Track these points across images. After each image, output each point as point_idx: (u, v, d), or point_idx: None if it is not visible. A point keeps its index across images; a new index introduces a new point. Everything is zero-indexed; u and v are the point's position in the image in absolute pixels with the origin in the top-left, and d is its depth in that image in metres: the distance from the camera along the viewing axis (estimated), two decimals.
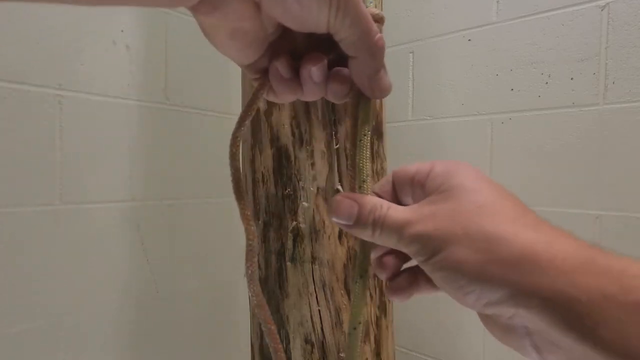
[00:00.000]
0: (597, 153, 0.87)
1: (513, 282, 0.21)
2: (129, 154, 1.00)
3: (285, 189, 0.70)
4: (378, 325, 0.72)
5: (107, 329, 0.98)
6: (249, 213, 0.27)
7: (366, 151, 0.27)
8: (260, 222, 0.74)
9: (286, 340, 0.72)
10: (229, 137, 0.27)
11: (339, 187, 0.67)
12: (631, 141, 0.83)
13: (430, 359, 1.12)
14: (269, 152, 0.72)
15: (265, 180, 0.73)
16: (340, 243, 0.69)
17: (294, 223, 0.69)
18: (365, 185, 0.27)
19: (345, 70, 0.26)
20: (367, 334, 0.70)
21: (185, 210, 1.13)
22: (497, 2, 0.99)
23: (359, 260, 0.27)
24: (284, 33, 0.24)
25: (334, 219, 0.26)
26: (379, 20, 0.27)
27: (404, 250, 0.25)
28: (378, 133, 0.73)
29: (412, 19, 1.13)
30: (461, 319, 1.05)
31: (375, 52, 0.24)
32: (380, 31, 0.27)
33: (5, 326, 0.82)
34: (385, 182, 0.29)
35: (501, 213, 0.23)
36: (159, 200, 1.07)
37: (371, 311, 0.71)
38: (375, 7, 0.30)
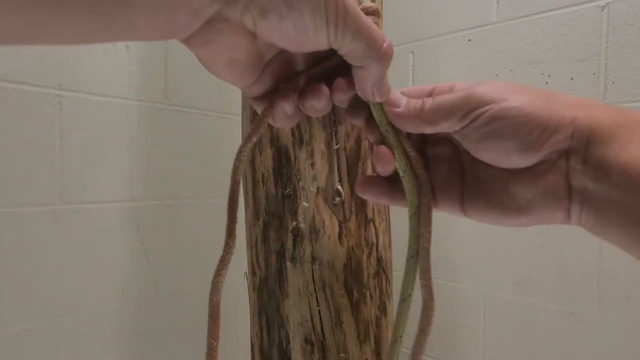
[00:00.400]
0: None
1: (574, 115, 0.23)
2: (129, 154, 1.00)
3: (285, 189, 0.70)
4: (378, 325, 0.72)
5: (107, 329, 0.98)
6: (233, 227, 0.27)
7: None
8: (260, 222, 0.74)
9: (286, 340, 0.72)
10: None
11: (339, 187, 0.67)
12: None
13: (430, 359, 1.12)
14: (269, 152, 0.72)
15: (265, 180, 0.73)
16: (340, 243, 0.69)
17: (294, 223, 0.69)
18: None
19: (343, 83, 0.26)
20: (366, 334, 0.70)
21: (185, 210, 1.13)
22: (497, 2, 0.99)
23: (410, 241, 0.29)
24: (281, 51, 0.24)
25: (385, 106, 0.26)
26: (374, 13, 0.26)
27: (454, 112, 0.25)
28: None
29: (412, 19, 1.13)
30: (461, 319, 1.05)
31: (383, 61, 0.23)
32: (378, 25, 0.26)
33: (5, 326, 0.82)
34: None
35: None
36: (159, 200, 1.07)
37: (371, 311, 0.71)
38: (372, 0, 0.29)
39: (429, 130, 0.26)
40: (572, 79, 0.90)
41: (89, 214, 0.93)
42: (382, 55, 0.23)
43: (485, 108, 0.24)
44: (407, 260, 0.29)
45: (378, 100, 0.25)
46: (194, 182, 1.14)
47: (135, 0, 0.17)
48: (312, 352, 0.70)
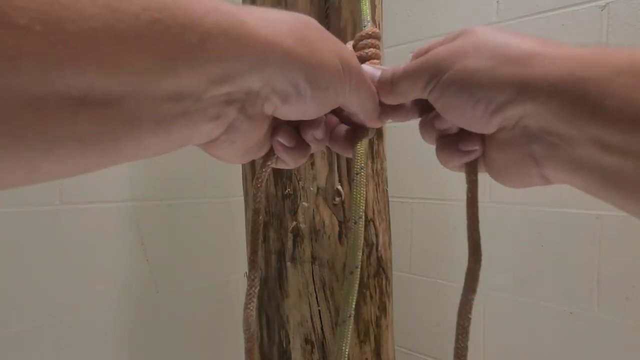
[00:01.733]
0: None
1: (522, 76, 0.21)
2: None
3: (285, 189, 0.70)
4: (378, 325, 0.72)
5: (107, 329, 0.98)
6: (256, 259, 0.27)
7: (362, 189, 0.27)
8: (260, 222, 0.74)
9: (286, 341, 0.72)
10: None
11: (339, 187, 0.67)
12: None
13: (430, 359, 1.12)
14: None
15: (265, 180, 0.73)
16: (340, 243, 0.69)
17: (294, 223, 0.70)
18: (360, 222, 0.27)
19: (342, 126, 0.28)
20: (366, 334, 0.70)
21: (185, 210, 1.13)
22: (497, 2, 0.99)
23: (349, 257, 0.27)
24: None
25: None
26: (376, 36, 0.28)
27: (417, 80, 0.24)
28: (378, 133, 0.73)
29: (412, 19, 1.13)
30: None
31: (375, 112, 0.26)
32: (377, 47, 0.28)
33: (5, 326, 0.82)
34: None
35: (510, 32, 0.23)
36: (159, 200, 1.07)
37: (371, 311, 0.71)
38: (372, 25, 0.31)
39: (404, 99, 0.26)
40: None
41: (89, 214, 0.93)
42: (375, 111, 0.26)
43: (439, 75, 0.23)
44: (346, 278, 0.27)
45: (374, 125, 0.27)
46: (194, 182, 1.14)
47: (139, 120, 0.15)
48: (312, 352, 0.70)
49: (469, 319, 0.25)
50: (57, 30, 0.12)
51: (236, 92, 0.18)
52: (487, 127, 0.23)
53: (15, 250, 0.83)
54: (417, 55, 0.26)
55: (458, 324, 0.25)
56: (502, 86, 0.21)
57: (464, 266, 0.28)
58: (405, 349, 1.15)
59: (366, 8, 0.32)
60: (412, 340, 1.14)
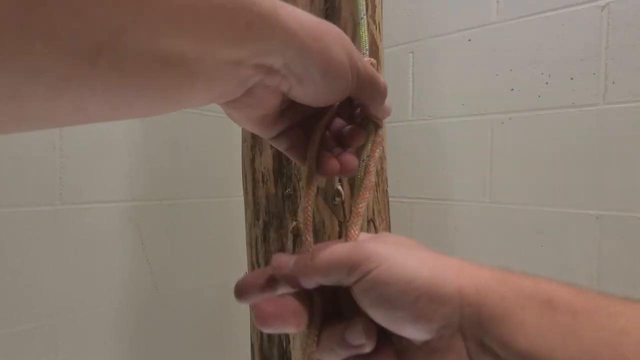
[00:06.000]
0: (597, 153, 0.87)
1: (460, 283, 0.23)
2: (129, 154, 1.00)
3: (285, 189, 0.70)
4: None
5: (107, 329, 0.98)
6: (317, 316, 0.27)
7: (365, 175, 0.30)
8: (260, 222, 0.74)
9: (286, 341, 0.72)
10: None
11: (339, 187, 0.67)
12: (631, 141, 0.83)
13: None
14: (268, 152, 0.72)
15: (265, 180, 0.73)
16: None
17: (294, 223, 0.69)
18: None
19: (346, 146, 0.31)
20: None
21: (185, 210, 1.13)
22: (497, 2, 0.99)
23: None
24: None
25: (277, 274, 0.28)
26: (372, 65, 0.32)
27: (348, 273, 0.24)
28: None
29: (412, 19, 1.13)
30: None
31: (384, 96, 0.29)
32: (375, 66, 0.32)
33: (5, 326, 0.82)
34: None
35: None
36: (159, 200, 1.07)
37: None
38: (368, 57, 0.35)
39: (323, 280, 0.26)
40: (572, 79, 0.90)
41: (89, 214, 0.93)
42: (384, 94, 0.29)
43: (369, 269, 0.23)
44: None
45: (381, 117, 0.30)
46: (194, 182, 1.14)
47: (198, 76, 0.19)
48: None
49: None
50: (155, 6, 0.16)
51: (262, 66, 0.22)
52: (423, 331, 0.23)
53: (15, 250, 0.83)
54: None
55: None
56: (449, 288, 0.23)
57: None
58: None
59: (365, 37, 0.35)
60: None
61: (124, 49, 0.16)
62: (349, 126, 0.31)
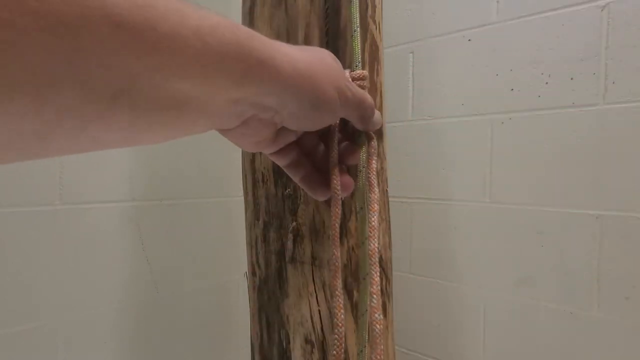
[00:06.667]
0: (597, 153, 0.87)
1: None
2: (129, 154, 1.00)
3: (285, 189, 0.70)
4: None
5: (107, 329, 0.98)
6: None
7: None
8: (260, 222, 0.74)
9: (286, 340, 0.72)
10: None
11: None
12: (631, 141, 0.83)
13: (430, 359, 1.12)
14: None
15: (265, 180, 0.73)
16: (340, 243, 0.69)
17: (294, 223, 0.69)
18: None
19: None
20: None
21: (185, 210, 1.13)
22: (497, 2, 0.99)
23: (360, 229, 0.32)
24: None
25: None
26: (364, 78, 0.35)
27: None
28: (378, 133, 0.73)
29: (412, 19, 1.13)
30: (461, 319, 1.05)
31: (371, 115, 0.33)
32: (364, 87, 0.36)
33: (5, 326, 0.82)
34: None
35: None
36: (159, 200, 1.07)
37: None
38: (361, 69, 0.37)
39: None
40: (572, 79, 0.90)
41: (89, 214, 0.93)
42: (370, 112, 0.33)
43: None
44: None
45: (372, 129, 0.34)
46: (194, 182, 1.14)
47: (201, 113, 0.22)
48: (312, 352, 0.70)
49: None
50: (170, 56, 0.18)
51: (257, 104, 0.25)
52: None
53: (15, 250, 0.83)
54: None
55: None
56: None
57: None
58: (405, 349, 1.15)
59: (358, 49, 0.38)
60: (412, 340, 1.14)
61: (139, 92, 0.18)
62: (345, 143, 0.34)
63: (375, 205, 0.31)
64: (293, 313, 0.71)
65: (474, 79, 1.03)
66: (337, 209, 0.31)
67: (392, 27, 1.15)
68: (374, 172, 0.32)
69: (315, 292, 0.69)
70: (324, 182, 0.33)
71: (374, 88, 0.66)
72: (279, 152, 0.32)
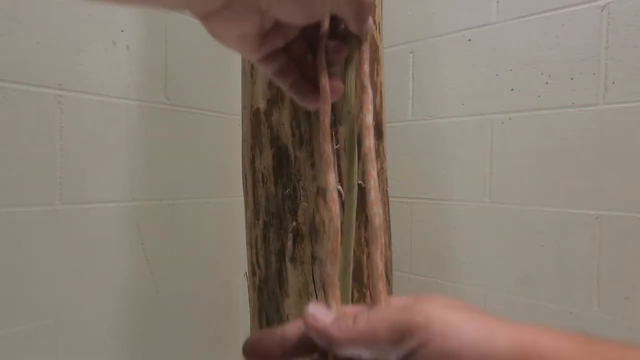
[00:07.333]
0: (597, 153, 0.87)
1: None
2: (129, 154, 1.00)
3: (285, 189, 0.70)
4: None
5: (107, 329, 0.98)
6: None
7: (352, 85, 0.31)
8: (260, 222, 0.74)
9: None
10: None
11: (339, 188, 0.67)
12: (631, 141, 0.83)
13: None
14: (268, 152, 0.72)
15: (265, 180, 0.73)
16: (340, 243, 0.69)
17: (294, 223, 0.69)
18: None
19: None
20: None
21: (185, 210, 1.13)
22: (497, 2, 0.99)
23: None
24: (277, 21, 0.28)
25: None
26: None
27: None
28: (378, 133, 0.73)
29: (412, 19, 1.13)
30: None
31: (368, 13, 0.29)
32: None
33: (5, 326, 0.82)
34: None
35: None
36: (159, 200, 1.07)
37: None
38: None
39: (363, 349, 0.22)
40: (572, 79, 0.90)
41: (89, 214, 0.93)
42: (369, 10, 0.29)
43: (426, 338, 0.20)
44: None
45: (364, 32, 0.31)
46: (194, 182, 1.14)
47: None
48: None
49: None
50: None
51: None
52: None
53: (15, 250, 0.83)
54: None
55: None
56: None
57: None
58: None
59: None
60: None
61: None
62: (333, 44, 0.31)
63: (370, 105, 0.30)
64: (293, 313, 0.71)
65: (474, 79, 1.03)
66: (326, 106, 0.30)
67: (392, 27, 1.15)
68: (367, 76, 0.31)
69: (315, 292, 0.69)
70: (314, 89, 0.30)
71: (374, 88, 0.66)
72: (267, 57, 0.30)
